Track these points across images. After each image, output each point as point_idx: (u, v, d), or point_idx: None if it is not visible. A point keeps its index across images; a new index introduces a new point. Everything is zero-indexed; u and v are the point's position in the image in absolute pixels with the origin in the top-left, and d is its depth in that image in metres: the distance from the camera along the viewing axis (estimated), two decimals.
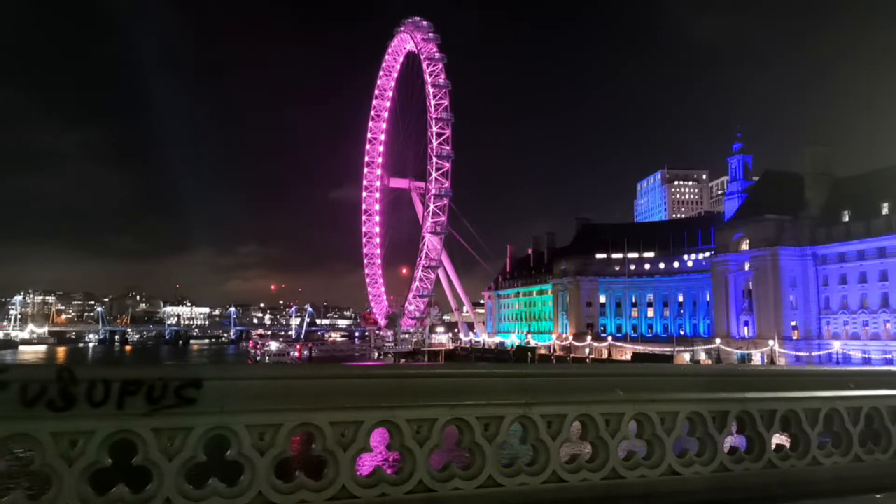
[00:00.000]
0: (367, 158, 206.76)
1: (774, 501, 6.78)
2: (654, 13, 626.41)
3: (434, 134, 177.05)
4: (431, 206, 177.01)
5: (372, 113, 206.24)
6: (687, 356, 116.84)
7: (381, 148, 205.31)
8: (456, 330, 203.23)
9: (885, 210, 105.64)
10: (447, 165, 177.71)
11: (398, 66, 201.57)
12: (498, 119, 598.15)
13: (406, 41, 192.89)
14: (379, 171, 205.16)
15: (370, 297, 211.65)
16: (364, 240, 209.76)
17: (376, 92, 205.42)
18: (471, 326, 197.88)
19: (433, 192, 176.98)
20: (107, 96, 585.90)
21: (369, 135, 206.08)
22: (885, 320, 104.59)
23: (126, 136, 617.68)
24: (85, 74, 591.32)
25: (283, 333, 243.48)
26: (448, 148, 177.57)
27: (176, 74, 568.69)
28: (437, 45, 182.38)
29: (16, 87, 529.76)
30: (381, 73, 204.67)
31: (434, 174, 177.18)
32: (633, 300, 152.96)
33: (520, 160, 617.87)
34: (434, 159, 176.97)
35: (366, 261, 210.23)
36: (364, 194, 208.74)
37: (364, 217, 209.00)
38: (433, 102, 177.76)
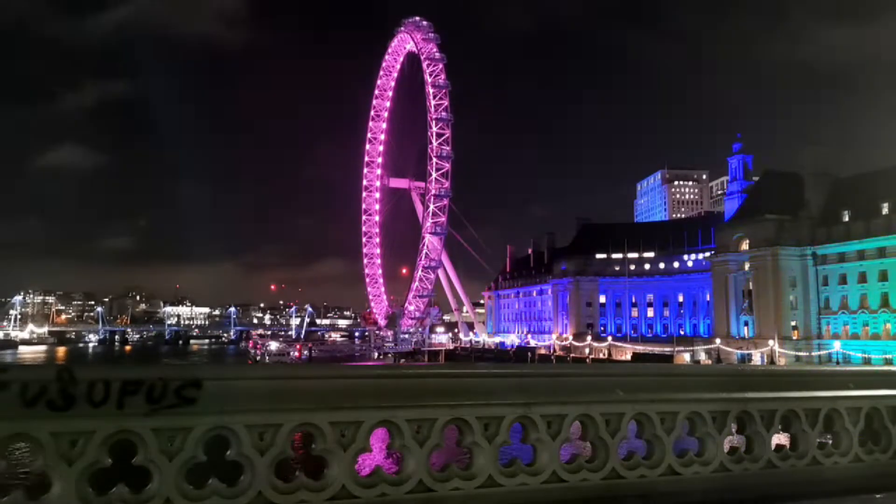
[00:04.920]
0: (367, 158, 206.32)
1: (774, 501, 6.78)
2: (655, 17, 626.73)
3: (434, 134, 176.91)
4: (431, 207, 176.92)
5: (372, 113, 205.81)
6: (687, 356, 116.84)
7: (381, 148, 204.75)
8: (456, 330, 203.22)
9: (885, 210, 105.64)
10: (447, 166, 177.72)
11: (398, 67, 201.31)
12: (498, 118, 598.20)
13: (406, 41, 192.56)
14: (379, 171, 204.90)
15: (370, 297, 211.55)
16: (364, 239, 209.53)
17: (376, 92, 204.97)
18: (471, 326, 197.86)
19: (433, 192, 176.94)
20: (108, 97, 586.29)
21: (369, 134, 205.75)
22: (885, 320, 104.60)
23: (125, 137, 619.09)
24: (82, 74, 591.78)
25: (283, 333, 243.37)
26: (448, 148, 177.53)
27: (174, 74, 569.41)
28: (438, 45, 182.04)
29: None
30: (381, 72, 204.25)
31: (434, 174, 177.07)
32: (633, 300, 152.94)
33: (520, 160, 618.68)
34: (434, 159, 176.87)
35: (366, 261, 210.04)
36: (364, 194, 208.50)
37: (364, 217, 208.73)
38: (433, 102, 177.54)
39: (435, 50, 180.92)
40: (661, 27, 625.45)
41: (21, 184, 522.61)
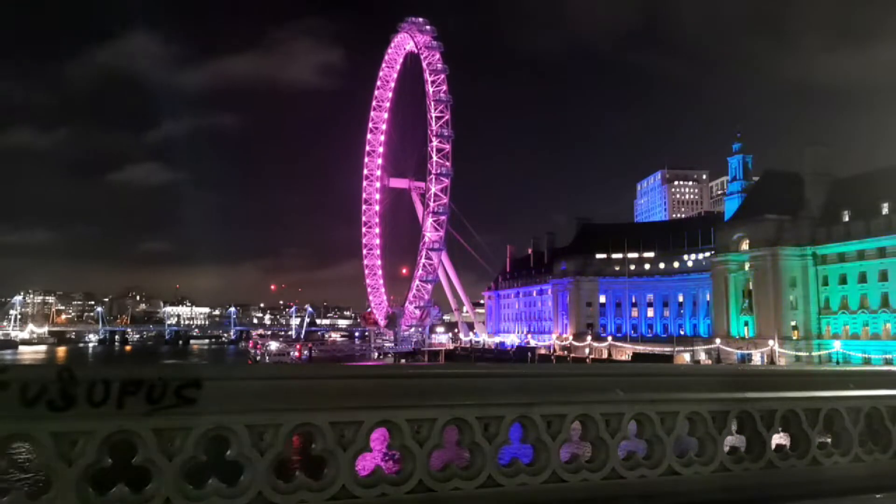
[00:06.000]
0: (367, 148, 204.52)
1: (774, 501, 6.79)
2: (655, 18, 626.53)
3: (433, 117, 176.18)
4: (433, 188, 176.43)
5: (374, 103, 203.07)
6: (687, 356, 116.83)
7: (379, 161, 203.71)
8: (456, 330, 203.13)
9: (885, 210, 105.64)
10: (447, 147, 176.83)
11: (396, 73, 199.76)
12: (498, 119, 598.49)
13: (405, 42, 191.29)
14: (380, 161, 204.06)
15: (369, 290, 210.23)
16: (364, 229, 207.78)
17: (374, 103, 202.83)
18: (471, 326, 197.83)
19: (434, 172, 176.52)
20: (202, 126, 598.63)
21: (370, 125, 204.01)
22: (885, 320, 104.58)
23: (196, 159, 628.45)
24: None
25: (283, 333, 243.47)
26: (448, 164, 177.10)
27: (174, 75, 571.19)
28: (433, 36, 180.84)
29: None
30: (378, 82, 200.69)
31: (434, 156, 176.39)
32: (633, 300, 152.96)
33: (520, 160, 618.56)
34: (434, 141, 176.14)
35: (365, 251, 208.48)
36: (364, 183, 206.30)
37: (364, 206, 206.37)
38: (434, 115, 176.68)
39: (438, 59, 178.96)
40: (663, 41, 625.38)
41: (89, 195, 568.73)
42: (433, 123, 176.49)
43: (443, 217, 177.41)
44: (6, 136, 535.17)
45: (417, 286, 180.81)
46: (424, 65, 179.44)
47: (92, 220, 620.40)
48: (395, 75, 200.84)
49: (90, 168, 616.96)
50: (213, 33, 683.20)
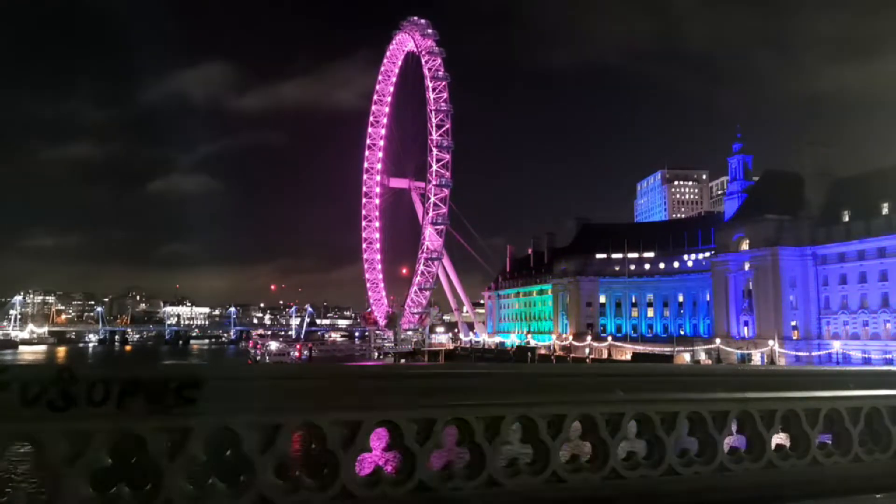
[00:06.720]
0: (366, 165, 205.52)
1: (774, 501, 6.79)
2: (654, 18, 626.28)
3: (434, 125, 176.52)
4: (432, 198, 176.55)
5: (371, 119, 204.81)
6: (687, 356, 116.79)
7: (380, 154, 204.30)
8: (456, 330, 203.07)
9: (885, 210, 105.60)
10: (447, 157, 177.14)
11: (398, 68, 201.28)
12: (498, 119, 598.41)
13: (406, 41, 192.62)
14: (378, 178, 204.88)
15: (368, 286, 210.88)
16: (364, 245, 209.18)
17: (375, 97, 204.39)
18: (471, 326, 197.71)
19: (434, 182, 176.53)
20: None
21: (368, 141, 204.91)
22: (885, 320, 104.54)
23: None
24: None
25: (283, 333, 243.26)
26: (448, 139, 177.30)
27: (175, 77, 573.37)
28: (436, 40, 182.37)
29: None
30: (379, 77, 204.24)
31: (434, 165, 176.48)
32: (633, 300, 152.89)
33: (520, 160, 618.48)
34: (434, 150, 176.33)
35: (364, 245, 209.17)
36: (364, 200, 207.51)
37: (364, 223, 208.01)
38: (432, 95, 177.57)
39: (433, 44, 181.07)
40: (666, 49, 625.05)
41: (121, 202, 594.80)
42: (433, 132, 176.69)
43: (441, 227, 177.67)
44: (66, 149, 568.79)
45: (415, 292, 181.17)
46: (426, 70, 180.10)
47: (115, 226, 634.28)
48: (397, 70, 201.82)
49: (129, 178, 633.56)
50: (272, 63, 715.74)
